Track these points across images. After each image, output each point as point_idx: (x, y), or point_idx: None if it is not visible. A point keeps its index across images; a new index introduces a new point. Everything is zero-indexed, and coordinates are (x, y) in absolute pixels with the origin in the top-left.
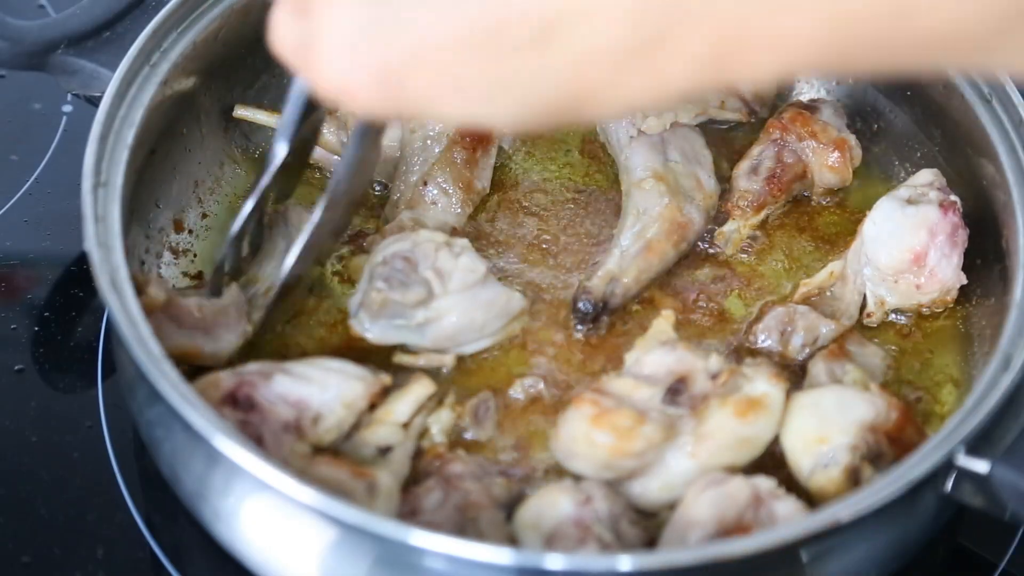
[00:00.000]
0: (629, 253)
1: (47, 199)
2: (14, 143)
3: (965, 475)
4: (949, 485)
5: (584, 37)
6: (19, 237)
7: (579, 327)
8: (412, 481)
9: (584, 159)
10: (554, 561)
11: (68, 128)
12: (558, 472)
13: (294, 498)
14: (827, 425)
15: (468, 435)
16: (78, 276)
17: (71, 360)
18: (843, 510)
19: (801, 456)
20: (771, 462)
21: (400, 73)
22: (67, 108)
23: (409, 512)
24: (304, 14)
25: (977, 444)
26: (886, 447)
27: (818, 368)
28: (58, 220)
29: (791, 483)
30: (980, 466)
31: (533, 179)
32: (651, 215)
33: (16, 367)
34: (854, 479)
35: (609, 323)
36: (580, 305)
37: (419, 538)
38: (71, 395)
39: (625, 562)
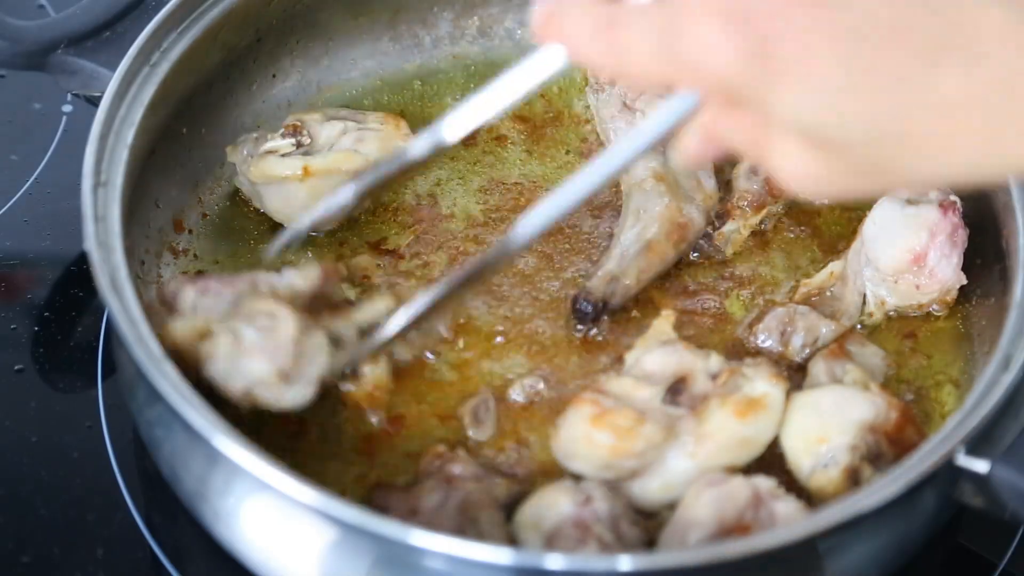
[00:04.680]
0: (629, 253)
1: (47, 199)
2: (14, 143)
3: (965, 475)
4: (949, 485)
5: (973, 73)
6: (19, 237)
7: (579, 327)
8: (413, 481)
9: (582, 159)
10: (554, 561)
11: (68, 128)
12: (558, 472)
13: (294, 498)
14: (827, 425)
15: (468, 435)
16: (78, 276)
17: (71, 360)
18: (843, 511)
19: (801, 456)
20: (771, 462)
21: (774, 38)
22: (67, 108)
23: (409, 512)
24: None
25: (977, 444)
26: (886, 447)
27: (818, 368)
28: (58, 220)
29: (790, 482)
30: (980, 466)
31: (532, 178)
32: (651, 215)
33: (16, 367)
34: (854, 479)
35: (609, 323)
36: (580, 306)
37: (419, 538)
38: (71, 395)
39: (625, 562)
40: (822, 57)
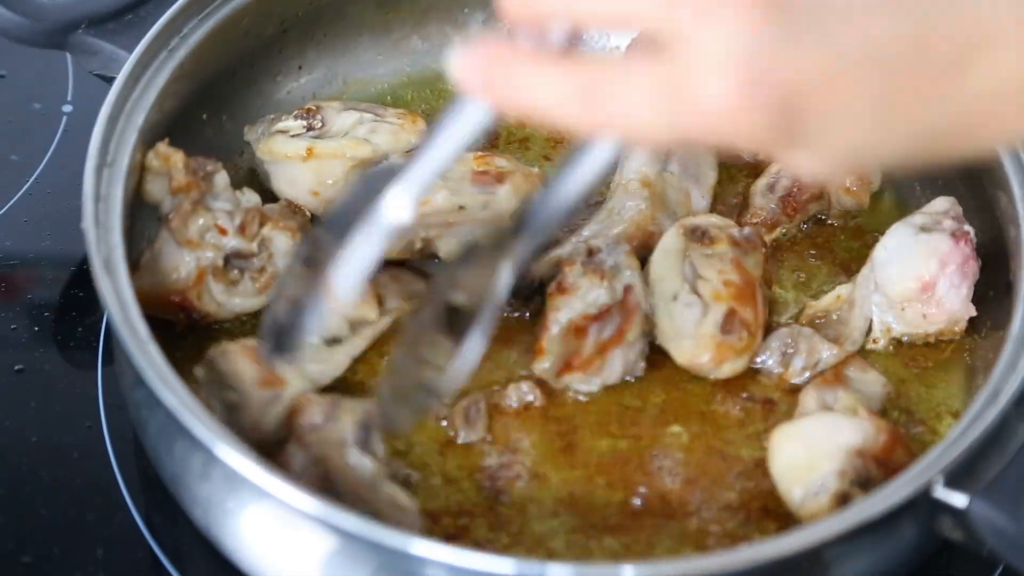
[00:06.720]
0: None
1: (47, 199)
2: (14, 143)
3: (942, 508)
4: (927, 517)
5: (1000, 65)
6: (19, 237)
7: (509, 303)
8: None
9: None
10: (557, 571)
11: (68, 128)
12: (549, 475)
13: (295, 507)
14: (814, 453)
15: (459, 438)
16: (78, 276)
17: (71, 361)
18: (811, 535)
19: (791, 485)
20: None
21: (801, 95)
22: (67, 108)
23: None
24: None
25: (957, 477)
26: (875, 471)
27: (809, 397)
28: (58, 220)
29: (778, 509)
30: (958, 500)
31: None
32: (622, 216)
33: (16, 367)
34: (844, 505)
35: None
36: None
37: (421, 547)
38: (71, 396)
39: (628, 571)
40: (849, 109)
